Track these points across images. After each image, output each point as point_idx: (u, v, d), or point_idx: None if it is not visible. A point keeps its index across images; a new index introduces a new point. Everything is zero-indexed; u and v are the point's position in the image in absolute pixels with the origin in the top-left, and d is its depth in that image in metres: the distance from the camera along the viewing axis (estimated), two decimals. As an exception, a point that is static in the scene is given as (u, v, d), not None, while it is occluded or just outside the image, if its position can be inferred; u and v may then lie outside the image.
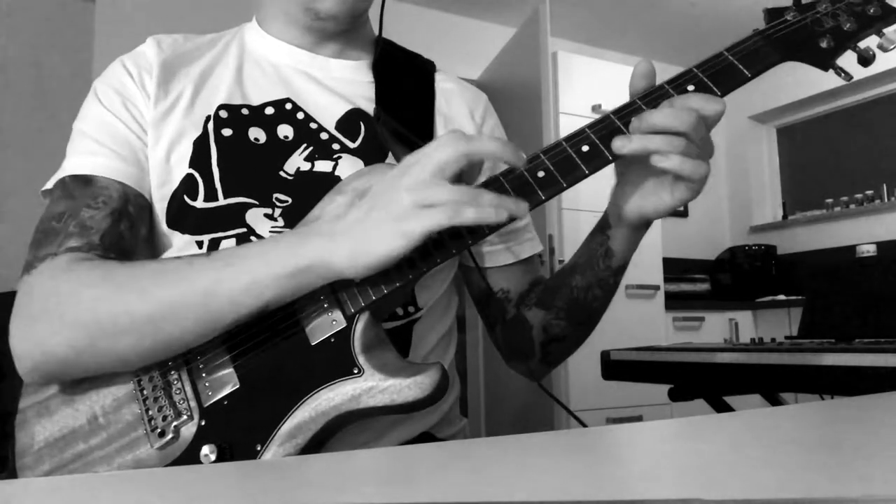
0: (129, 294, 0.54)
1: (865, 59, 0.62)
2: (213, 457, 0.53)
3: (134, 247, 0.64)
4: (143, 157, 0.66)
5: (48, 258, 0.59)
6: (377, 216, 0.51)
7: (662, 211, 0.62)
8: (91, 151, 0.64)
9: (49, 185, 0.65)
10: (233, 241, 0.64)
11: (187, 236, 0.65)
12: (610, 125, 0.58)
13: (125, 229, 0.63)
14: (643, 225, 0.67)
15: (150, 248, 0.70)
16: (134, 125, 0.66)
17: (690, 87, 0.58)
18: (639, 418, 2.72)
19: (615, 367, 1.25)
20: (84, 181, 0.63)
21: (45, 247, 0.60)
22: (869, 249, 3.01)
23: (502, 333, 0.78)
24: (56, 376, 0.57)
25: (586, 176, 0.57)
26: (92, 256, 0.59)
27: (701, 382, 1.18)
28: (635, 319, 2.79)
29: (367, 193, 0.54)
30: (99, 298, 0.55)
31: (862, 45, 0.63)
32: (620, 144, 0.56)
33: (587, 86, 2.93)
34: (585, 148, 0.57)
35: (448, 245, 0.56)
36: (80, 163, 0.64)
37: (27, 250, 0.61)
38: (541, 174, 0.56)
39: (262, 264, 0.53)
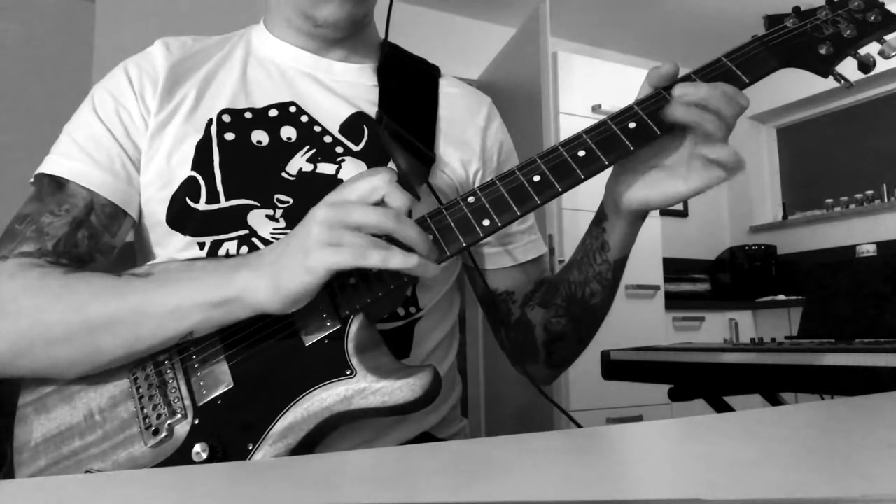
0: (65, 306, 0.56)
1: (866, 66, 0.62)
2: (204, 455, 0.53)
3: (91, 254, 0.64)
4: (120, 165, 0.66)
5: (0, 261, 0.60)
6: (290, 250, 0.52)
7: (673, 200, 0.61)
8: (69, 155, 0.65)
9: (32, 178, 0.67)
10: (234, 242, 0.64)
11: (189, 238, 0.65)
12: (605, 131, 0.58)
13: (82, 238, 0.63)
14: (642, 215, 0.66)
15: (142, 247, 0.70)
16: (121, 133, 0.67)
17: (537, 178, 0.58)
18: (639, 418, 2.72)
19: (615, 367, 1.25)
20: (57, 185, 0.65)
21: (0, 249, 0.62)
22: (869, 249, 3.00)
23: (507, 336, 0.78)
24: None
25: (582, 181, 0.57)
26: (42, 262, 0.60)
27: (701, 382, 1.17)
28: (635, 319, 2.79)
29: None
30: (37, 308, 0.56)
31: (862, 51, 0.63)
32: (676, 110, 0.57)
33: (587, 86, 2.93)
34: (581, 153, 0.57)
35: (441, 249, 0.56)
36: (56, 163, 0.65)
37: None
38: (537, 178, 0.57)
39: (191, 291, 0.54)
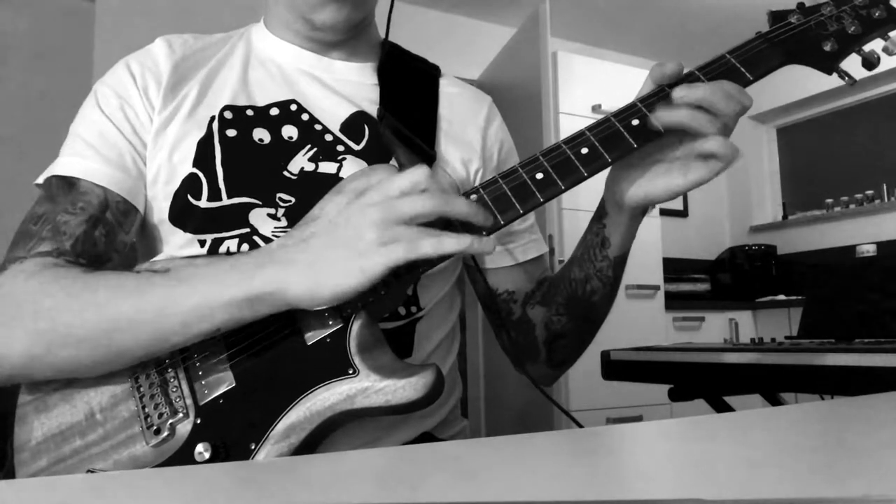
0: (85, 306, 0.55)
1: (870, 63, 0.62)
2: (206, 455, 0.53)
3: (109, 253, 0.64)
4: (131, 161, 0.66)
5: (17, 261, 0.60)
6: (340, 252, 0.51)
7: (673, 194, 0.61)
8: (79, 154, 0.65)
9: (40, 179, 0.66)
10: (235, 241, 0.64)
11: (189, 235, 0.65)
12: (609, 128, 0.58)
13: (100, 236, 0.63)
14: (642, 211, 0.66)
15: (145, 245, 0.70)
16: (128, 129, 0.67)
17: (539, 175, 0.58)
18: (639, 418, 2.72)
19: (615, 367, 1.25)
20: (69, 184, 0.64)
21: (17, 249, 0.61)
22: (869, 249, 3.01)
23: (508, 336, 0.78)
24: (8, 380, 0.58)
25: (585, 178, 0.57)
26: (60, 262, 0.60)
27: (701, 382, 1.17)
28: (635, 319, 2.78)
29: (331, 216, 0.54)
30: (56, 308, 0.55)
31: (866, 48, 0.62)
32: (665, 114, 0.57)
33: (587, 86, 2.93)
34: (584, 150, 0.57)
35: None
36: (68, 164, 0.65)
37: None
38: (539, 176, 0.57)
39: (215, 288, 0.52)
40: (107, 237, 0.64)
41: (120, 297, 0.55)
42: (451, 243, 0.50)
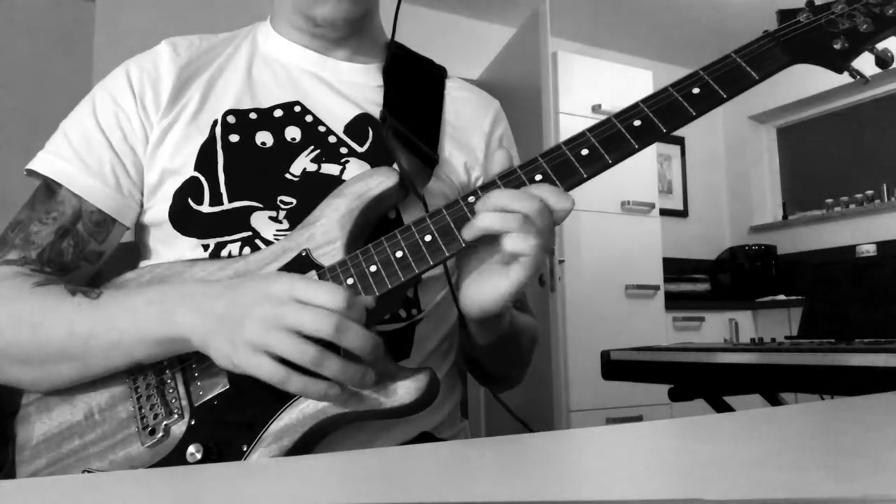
0: (24, 328, 0.58)
1: (884, 61, 0.59)
2: (198, 455, 0.53)
3: (76, 262, 0.65)
4: (110, 171, 0.66)
5: None
6: (225, 330, 0.51)
7: (503, 297, 0.56)
8: (63, 157, 0.66)
9: (27, 167, 0.67)
10: (237, 244, 0.64)
11: (193, 240, 0.65)
12: (610, 128, 0.57)
13: (67, 246, 0.65)
14: (489, 317, 0.60)
15: (145, 249, 0.71)
16: (117, 138, 0.67)
17: (538, 177, 0.56)
18: (639, 418, 2.72)
19: (615, 367, 1.25)
20: (50, 190, 0.66)
21: None
22: (869, 249, 3.01)
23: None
24: None
25: (585, 180, 0.57)
26: (25, 271, 0.62)
27: (701, 382, 1.17)
28: (635, 319, 2.78)
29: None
30: (2, 326, 0.59)
31: (880, 46, 0.60)
32: (467, 229, 0.54)
33: (587, 86, 2.93)
34: (585, 151, 0.57)
35: (440, 251, 0.56)
36: (49, 163, 0.66)
37: None
38: (538, 177, 0.57)
39: (133, 326, 0.55)
40: (75, 248, 0.65)
41: (49, 326, 0.57)
42: (320, 391, 0.50)
